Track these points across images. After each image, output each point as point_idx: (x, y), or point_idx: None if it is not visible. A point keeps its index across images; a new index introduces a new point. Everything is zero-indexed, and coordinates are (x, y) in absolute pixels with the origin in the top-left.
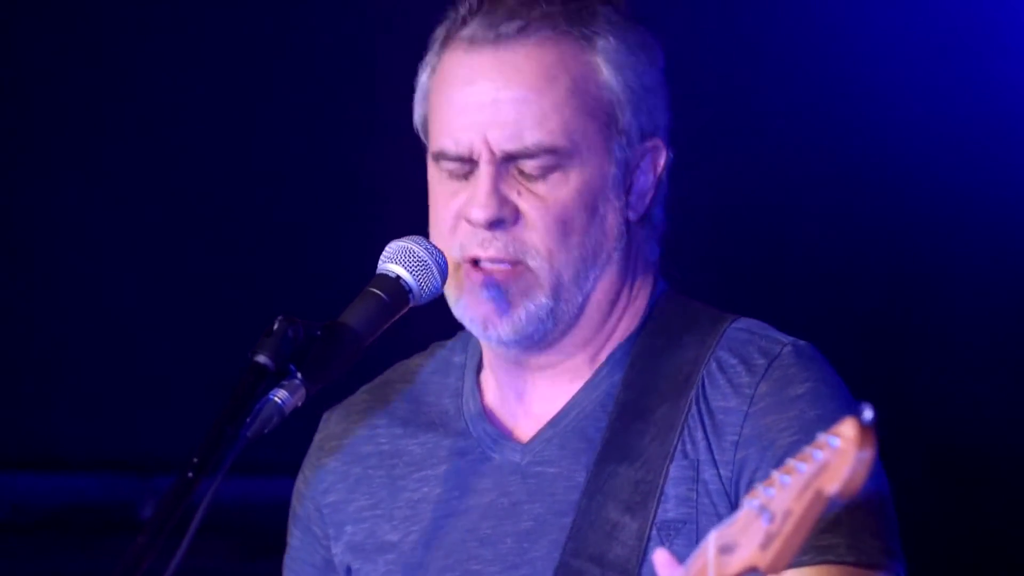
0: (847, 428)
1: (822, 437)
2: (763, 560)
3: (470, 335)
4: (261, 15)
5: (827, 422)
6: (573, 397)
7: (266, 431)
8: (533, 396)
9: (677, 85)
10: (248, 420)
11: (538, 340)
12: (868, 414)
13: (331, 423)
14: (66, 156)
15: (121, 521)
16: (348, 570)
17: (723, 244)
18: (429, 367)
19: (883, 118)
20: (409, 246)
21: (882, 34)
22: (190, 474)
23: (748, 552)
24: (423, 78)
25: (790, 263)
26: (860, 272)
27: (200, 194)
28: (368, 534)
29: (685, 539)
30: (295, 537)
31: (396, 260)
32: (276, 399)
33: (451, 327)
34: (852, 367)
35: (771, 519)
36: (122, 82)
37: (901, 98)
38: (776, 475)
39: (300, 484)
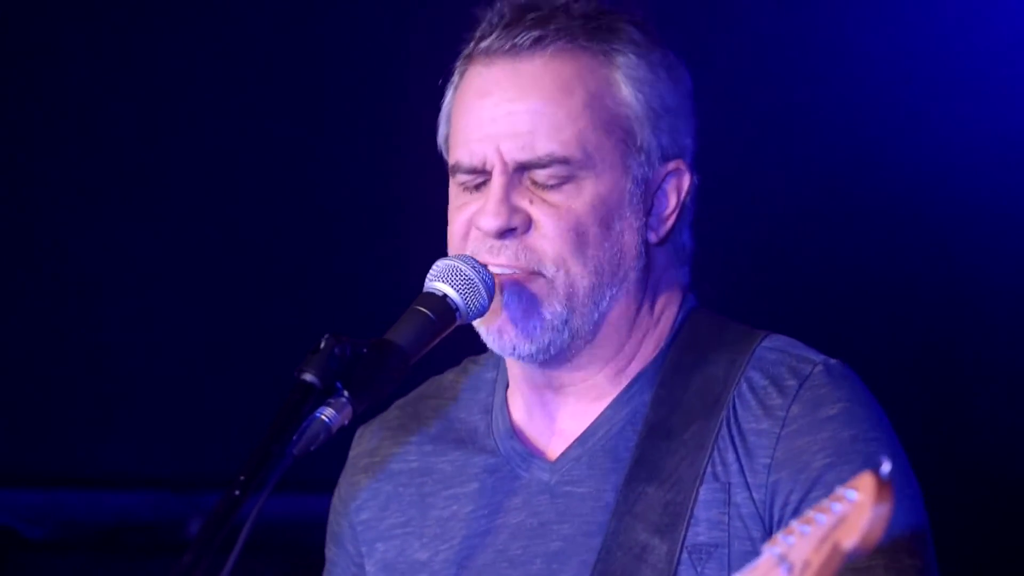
0: (865, 483)
1: (840, 490)
2: None
3: None
4: (304, 41)
5: (860, 442)
6: (601, 415)
7: (312, 449)
8: (560, 414)
9: (702, 102)
10: (295, 438)
11: (555, 353)
12: (886, 468)
13: (364, 440)
14: (116, 186)
15: (169, 539)
16: None
17: (753, 258)
18: (462, 383)
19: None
20: (456, 264)
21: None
22: (236, 492)
23: None
24: (447, 98)
25: (820, 277)
26: (891, 285)
27: (247, 219)
28: (399, 552)
29: (717, 563)
30: (331, 552)
31: (443, 278)
32: (323, 417)
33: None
34: (883, 382)
35: (790, 569)
36: (167, 108)
37: (944, 116)
38: (795, 525)
39: (336, 501)
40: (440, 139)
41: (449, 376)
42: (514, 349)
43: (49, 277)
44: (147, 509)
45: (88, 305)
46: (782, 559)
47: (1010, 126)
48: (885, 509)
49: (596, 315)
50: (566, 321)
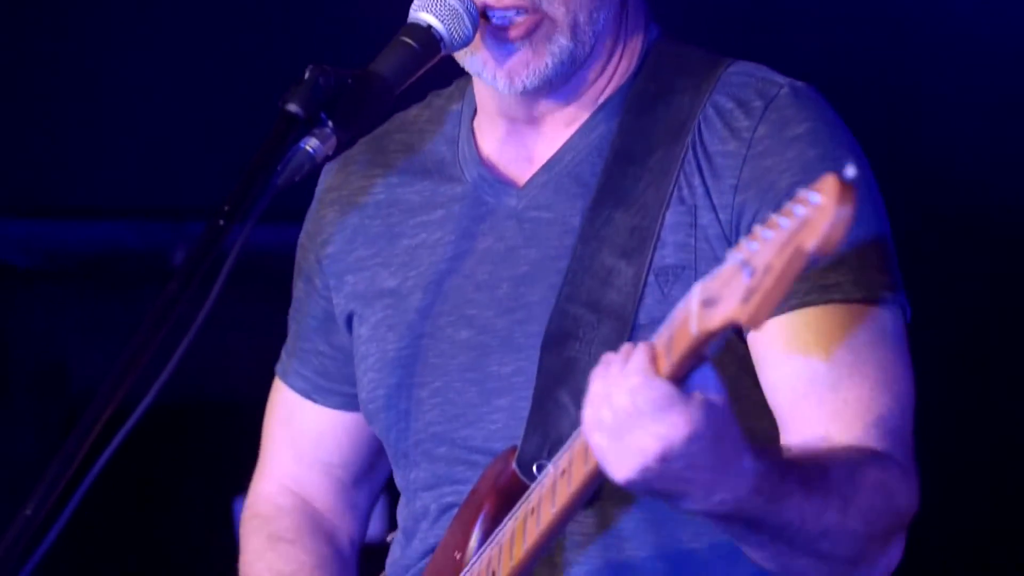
0: (828, 184)
1: (803, 193)
2: (744, 314)
3: (468, 83)
4: None
5: (827, 160)
6: (567, 141)
7: (297, 179)
8: (530, 141)
9: None
10: (279, 168)
11: (556, 84)
12: (850, 171)
13: (330, 175)
14: None
15: (153, 268)
16: (349, 319)
17: None
18: (425, 116)
19: None
20: None
21: None
22: (221, 221)
23: (730, 306)
24: None
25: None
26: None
27: None
28: (369, 282)
29: (683, 285)
30: (298, 289)
31: (427, 8)
32: (307, 147)
33: None
34: (852, 112)
35: (752, 274)
36: None
37: None
38: (759, 230)
39: (303, 237)
40: None
41: (413, 111)
42: (524, 87)
43: (36, 5)
44: (133, 238)
45: (76, 32)
46: (744, 264)
47: None
48: (847, 211)
49: (593, 39)
50: (571, 52)
